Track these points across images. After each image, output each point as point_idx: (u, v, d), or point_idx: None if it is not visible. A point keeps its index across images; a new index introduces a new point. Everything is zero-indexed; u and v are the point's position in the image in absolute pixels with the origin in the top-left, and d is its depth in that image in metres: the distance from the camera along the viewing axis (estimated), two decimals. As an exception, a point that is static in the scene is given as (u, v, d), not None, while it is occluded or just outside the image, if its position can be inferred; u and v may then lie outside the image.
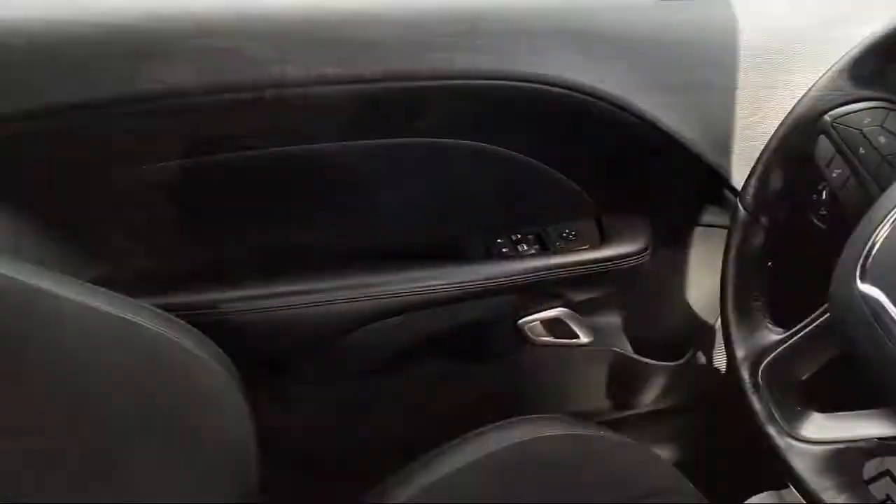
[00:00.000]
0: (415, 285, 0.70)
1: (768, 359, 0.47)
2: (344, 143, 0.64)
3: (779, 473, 0.95)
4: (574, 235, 0.75)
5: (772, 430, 0.45)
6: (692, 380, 0.92)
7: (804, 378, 0.47)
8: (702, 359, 0.93)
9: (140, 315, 0.51)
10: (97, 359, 0.49)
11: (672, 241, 0.81)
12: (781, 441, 0.44)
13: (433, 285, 0.70)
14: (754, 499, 0.94)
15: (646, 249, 0.75)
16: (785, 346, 0.47)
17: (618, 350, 0.84)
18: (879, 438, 0.41)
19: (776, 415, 0.45)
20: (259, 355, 0.68)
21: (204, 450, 0.57)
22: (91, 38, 0.55)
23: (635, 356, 0.85)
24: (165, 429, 0.54)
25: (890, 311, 0.38)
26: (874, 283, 0.39)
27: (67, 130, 0.57)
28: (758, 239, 0.51)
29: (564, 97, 0.64)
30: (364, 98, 0.62)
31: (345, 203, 0.69)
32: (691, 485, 0.70)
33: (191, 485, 0.56)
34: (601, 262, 0.74)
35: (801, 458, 0.43)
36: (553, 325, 0.78)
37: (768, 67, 0.60)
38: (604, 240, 0.76)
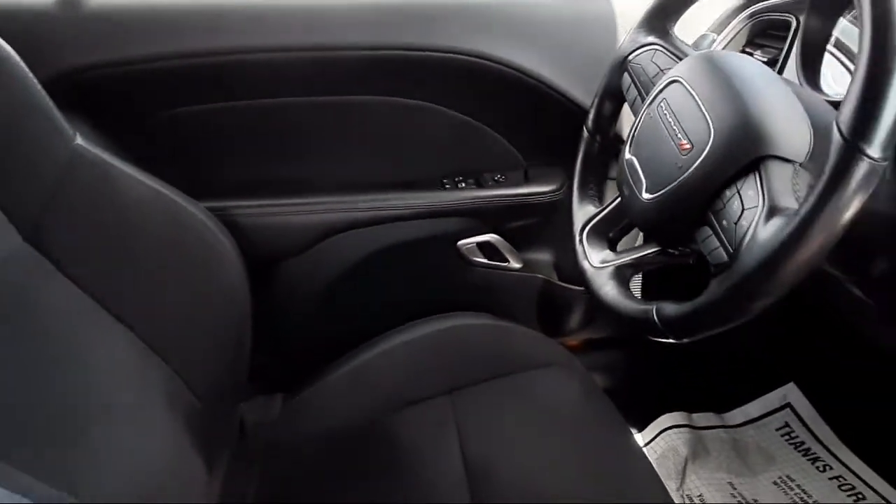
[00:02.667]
0: (378, 204, 0.94)
1: (591, 223, 0.69)
2: (326, 97, 0.90)
3: (687, 399, 1.12)
4: (504, 179, 0.98)
5: (585, 264, 0.66)
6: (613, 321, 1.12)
7: (610, 234, 0.68)
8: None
9: (178, 196, 0.77)
10: (145, 214, 0.75)
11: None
12: (588, 268, 0.65)
13: (392, 205, 0.94)
14: (665, 417, 1.12)
15: (560, 188, 0.97)
16: (600, 215, 0.69)
17: (545, 277, 1.05)
18: (639, 257, 0.62)
19: (587, 254, 0.66)
20: (259, 253, 0.93)
21: (214, 302, 0.82)
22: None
23: (560, 283, 1.06)
24: (185, 279, 0.78)
25: (639, 170, 0.59)
26: (633, 153, 0.61)
27: (136, 77, 0.84)
28: (594, 149, 0.73)
29: (488, 68, 0.88)
30: (346, 63, 0.87)
31: (329, 146, 0.95)
32: (582, 366, 0.90)
33: (201, 332, 0.80)
34: (525, 195, 0.96)
35: (596, 275, 0.64)
36: (487, 249, 1.00)
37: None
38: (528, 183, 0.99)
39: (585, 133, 0.74)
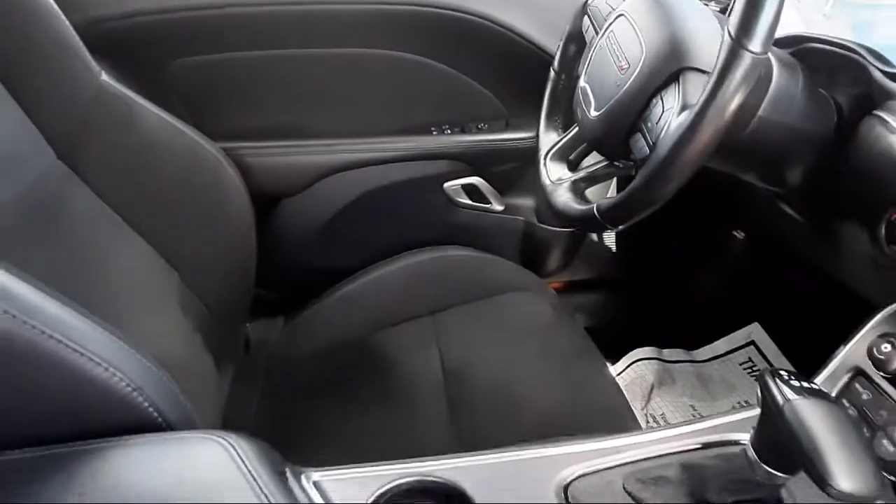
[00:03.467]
0: (371, 147, 1.03)
1: (554, 148, 0.78)
2: (323, 49, 0.99)
3: (659, 337, 1.21)
4: (486, 126, 1.07)
5: (546, 181, 0.75)
6: (589, 253, 1.21)
7: (570, 157, 0.77)
8: (594, 235, 1.22)
9: (194, 133, 0.86)
10: (164, 145, 0.84)
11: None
12: (548, 184, 0.74)
13: (384, 148, 1.04)
14: (637, 350, 1.21)
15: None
16: (562, 141, 0.77)
17: (525, 219, 1.14)
18: (591, 172, 0.71)
19: (548, 173, 0.75)
20: (263, 191, 1.02)
21: (223, 227, 0.91)
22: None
23: (540, 224, 1.14)
24: (198, 205, 0.88)
25: (589, 93, 0.68)
26: (586, 81, 0.69)
27: (146, 29, 0.94)
28: (559, 86, 0.82)
29: (471, 23, 0.97)
30: (339, 18, 0.96)
31: (327, 94, 1.04)
32: (554, 292, 0.99)
33: (211, 252, 0.90)
34: (505, 140, 1.05)
35: (553, 189, 0.72)
36: (471, 191, 1.09)
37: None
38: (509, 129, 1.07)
39: (552, 73, 0.83)
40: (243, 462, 0.41)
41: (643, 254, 1.25)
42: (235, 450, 0.42)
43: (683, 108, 0.54)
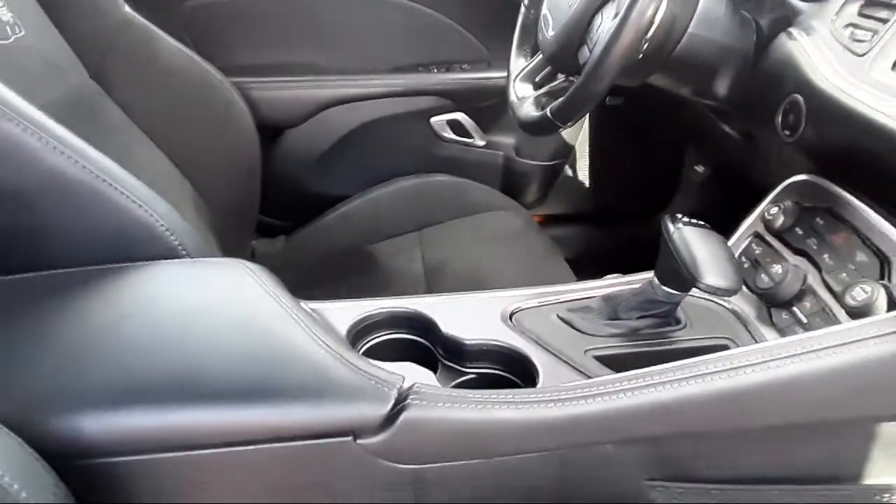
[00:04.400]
0: (365, 83, 1.15)
1: (521, 73, 0.89)
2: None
3: (630, 263, 1.33)
4: (470, 67, 1.18)
5: (512, 98, 0.86)
6: (565, 188, 1.33)
7: (536, 79, 0.88)
8: (570, 171, 1.34)
9: (207, 64, 0.97)
10: (181, 70, 0.96)
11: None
12: (514, 100, 0.85)
13: (377, 84, 1.15)
14: (608, 276, 1.33)
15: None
16: (529, 65, 0.88)
17: (505, 154, 1.25)
18: (551, 87, 0.82)
19: (515, 92, 0.86)
20: (267, 122, 1.13)
21: (232, 148, 1.03)
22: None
23: (518, 158, 1.26)
24: (210, 126, 1.00)
25: (549, 17, 0.79)
26: (547, 8, 0.80)
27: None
28: (529, 19, 0.92)
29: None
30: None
31: (326, 35, 1.15)
32: (527, 213, 1.11)
33: (222, 169, 1.02)
34: (487, 78, 1.17)
35: (518, 104, 0.83)
36: (455, 126, 1.20)
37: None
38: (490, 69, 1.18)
39: (522, 7, 0.93)
40: (264, 283, 0.52)
41: (614, 189, 1.35)
42: (256, 273, 0.54)
43: (615, 16, 0.65)
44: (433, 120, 1.19)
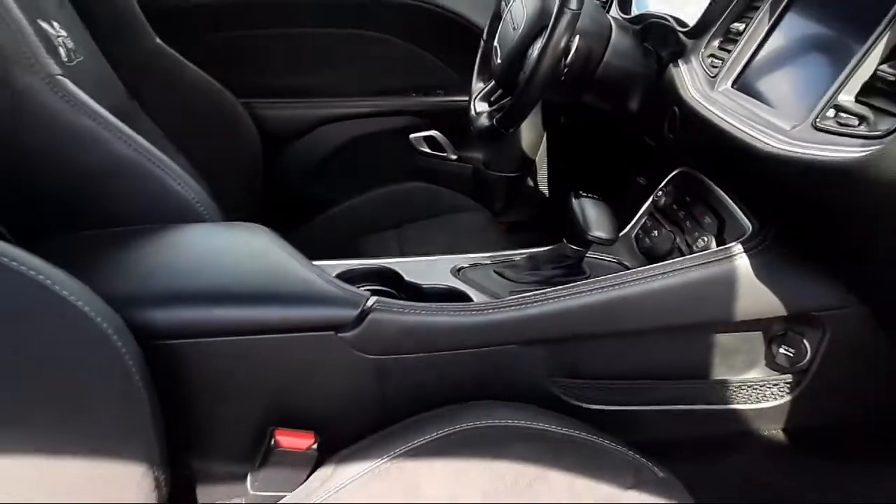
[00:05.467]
0: (354, 104, 1.35)
1: (480, 93, 1.09)
2: (320, 29, 1.31)
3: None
4: (444, 91, 1.39)
5: (472, 113, 1.06)
6: (528, 198, 1.53)
7: (491, 99, 1.08)
8: (531, 182, 1.54)
9: (221, 86, 1.18)
10: (200, 91, 1.16)
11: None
12: (473, 115, 1.05)
13: (363, 105, 1.36)
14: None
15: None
16: (486, 88, 1.09)
17: (475, 166, 1.46)
18: (500, 105, 1.02)
19: (475, 109, 1.06)
20: (271, 136, 1.33)
21: (238, 155, 1.23)
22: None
23: (486, 170, 1.46)
24: (220, 134, 1.19)
25: (497, 45, 1.00)
26: (497, 42, 1.01)
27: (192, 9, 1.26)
28: (488, 49, 1.14)
29: (427, 10, 1.30)
30: (331, 5, 1.29)
31: (321, 63, 1.36)
32: (491, 214, 1.30)
33: (230, 171, 1.21)
34: (459, 101, 1.37)
35: (475, 117, 1.03)
36: (431, 142, 1.41)
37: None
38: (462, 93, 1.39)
39: (482, 42, 1.15)
40: (271, 235, 0.71)
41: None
42: (265, 230, 0.72)
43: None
44: (412, 136, 1.39)
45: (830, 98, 0.55)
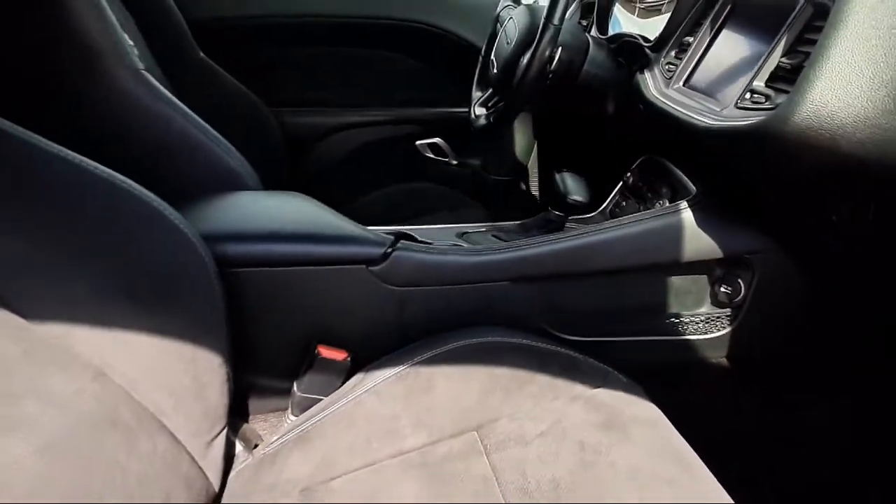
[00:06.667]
0: (367, 113, 1.54)
1: (479, 100, 1.27)
2: (343, 48, 1.51)
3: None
4: (448, 102, 1.58)
5: (472, 116, 1.24)
6: (520, 196, 1.70)
7: (488, 105, 1.26)
8: (523, 185, 1.72)
9: (255, 97, 1.36)
10: (237, 97, 1.34)
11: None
12: (473, 118, 1.23)
13: (375, 114, 1.54)
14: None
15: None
16: (483, 95, 1.27)
17: (474, 170, 1.63)
18: (493, 109, 1.20)
19: (475, 113, 1.24)
20: (296, 138, 1.51)
21: (263, 150, 1.40)
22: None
23: (484, 173, 1.64)
24: (250, 138, 1.37)
25: (494, 62, 1.18)
26: (493, 56, 1.20)
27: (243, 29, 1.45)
28: (486, 63, 1.32)
29: (432, 32, 1.49)
30: (352, 26, 1.48)
31: (339, 79, 1.54)
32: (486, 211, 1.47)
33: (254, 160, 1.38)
34: (460, 112, 1.56)
35: (475, 119, 1.21)
36: (435, 148, 1.59)
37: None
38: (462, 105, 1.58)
39: (481, 57, 1.34)
40: (308, 197, 0.88)
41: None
42: (303, 195, 0.89)
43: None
44: (418, 142, 1.57)
45: (748, 84, 0.73)
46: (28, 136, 0.56)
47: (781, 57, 0.70)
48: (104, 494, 0.49)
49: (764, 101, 0.69)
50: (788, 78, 0.68)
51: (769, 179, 0.70)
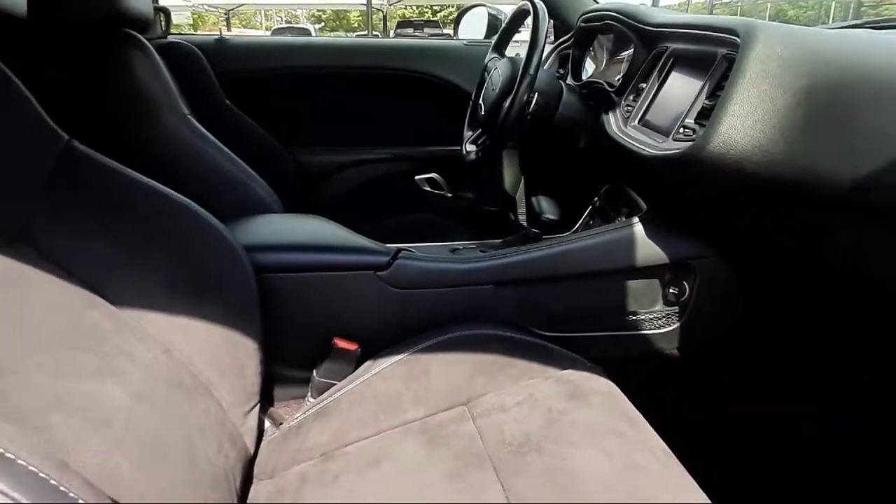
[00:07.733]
0: (371, 152, 1.72)
1: (470, 138, 1.45)
2: (350, 97, 1.70)
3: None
4: (443, 141, 1.77)
5: (464, 152, 1.42)
6: (509, 226, 1.87)
7: (478, 142, 1.45)
8: (512, 216, 1.89)
9: (272, 139, 1.56)
10: (256, 139, 1.54)
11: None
12: (465, 153, 1.41)
13: (378, 153, 1.73)
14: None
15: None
16: (474, 134, 1.46)
17: (467, 203, 1.81)
18: (482, 146, 1.38)
19: (465, 149, 1.42)
20: (307, 175, 1.69)
21: (279, 183, 1.58)
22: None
23: (477, 205, 1.81)
24: (268, 174, 1.56)
25: (481, 105, 1.37)
26: (481, 100, 1.39)
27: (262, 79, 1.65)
28: (475, 106, 1.51)
29: (429, 80, 1.69)
30: (357, 75, 1.68)
31: (347, 122, 1.74)
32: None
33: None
34: (454, 150, 1.75)
35: (467, 156, 1.39)
36: (432, 182, 1.77)
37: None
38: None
39: (471, 101, 1.53)
40: (325, 219, 1.05)
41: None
42: (320, 217, 1.06)
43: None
44: (416, 177, 1.75)
45: (681, 121, 0.90)
46: (115, 165, 0.74)
47: (705, 99, 0.88)
48: (176, 435, 0.64)
49: (692, 133, 0.87)
50: (708, 115, 0.86)
51: (695, 196, 0.87)
